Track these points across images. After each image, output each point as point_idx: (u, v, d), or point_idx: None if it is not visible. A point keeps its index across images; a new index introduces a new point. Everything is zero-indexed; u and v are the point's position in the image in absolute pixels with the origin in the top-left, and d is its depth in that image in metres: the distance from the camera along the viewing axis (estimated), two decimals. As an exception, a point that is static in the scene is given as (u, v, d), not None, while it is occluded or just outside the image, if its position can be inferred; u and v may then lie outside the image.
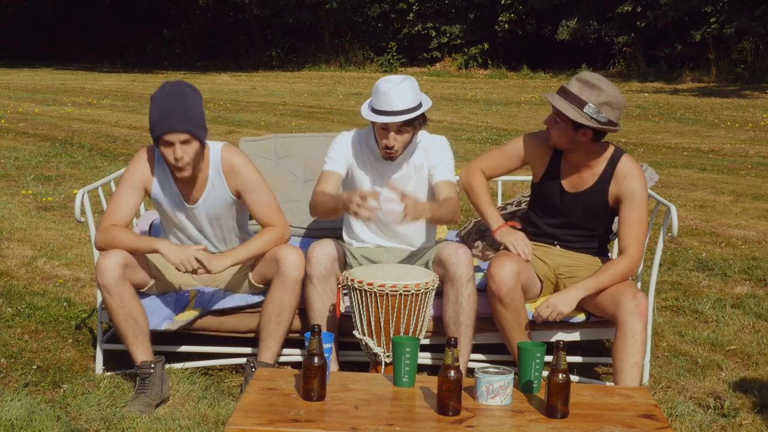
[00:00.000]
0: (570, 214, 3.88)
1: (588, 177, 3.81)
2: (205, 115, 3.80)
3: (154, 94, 3.68)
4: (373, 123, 3.81)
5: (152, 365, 3.69)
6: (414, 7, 25.50)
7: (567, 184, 3.86)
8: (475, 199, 3.93)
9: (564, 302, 3.63)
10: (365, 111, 3.81)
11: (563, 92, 3.68)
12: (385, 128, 3.76)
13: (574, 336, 3.91)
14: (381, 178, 3.92)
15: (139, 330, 3.69)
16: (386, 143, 3.77)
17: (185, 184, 3.83)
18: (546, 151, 3.87)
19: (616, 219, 4.20)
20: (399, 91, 3.71)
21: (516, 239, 3.75)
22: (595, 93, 3.62)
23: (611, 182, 3.77)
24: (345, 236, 4.05)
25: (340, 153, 3.93)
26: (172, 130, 3.59)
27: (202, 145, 3.72)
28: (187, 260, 3.58)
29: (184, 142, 3.62)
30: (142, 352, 3.71)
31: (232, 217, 3.96)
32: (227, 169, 3.82)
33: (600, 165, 3.79)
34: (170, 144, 3.62)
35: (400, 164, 3.91)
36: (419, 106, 3.76)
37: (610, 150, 3.80)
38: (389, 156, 3.82)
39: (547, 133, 3.78)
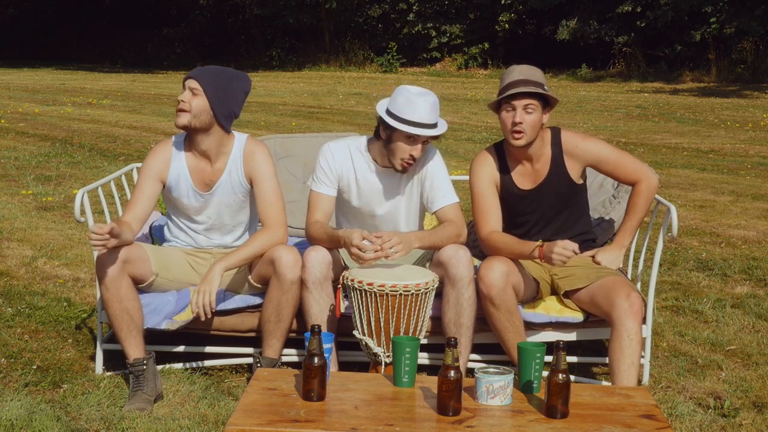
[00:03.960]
0: (538, 209, 3.90)
1: (541, 166, 3.86)
2: (238, 102, 3.90)
3: None
4: (396, 131, 3.71)
5: (144, 362, 3.70)
6: (414, 7, 25.50)
7: (524, 183, 3.89)
8: (508, 252, 3.74)
9: (611, 257, 3.85)
10: (392, 120, 3.70)
11: (518, 83, 3.69)
12: (414, 140, 3.71)
13: (572, 336, 3.91)
14: (370, 190, 3.90)
15: (133, 325, 3.70)
16: (412, 153, 3.72)
17: (201, 171, 3.87)
18: (494, 167, 3.89)
19: (612, 216, 4.24)
20: (432, 104, 3.70)
21: (556, 249, 3.57)
22: (534, 72, 3.75)
23: (565, 160, 3.83)
24: (343, 255, 4.01)
25: (328, 170, 3.89)
26: (188, 77, 3.81)
27: (216, 116, 3.78)
28: (203, 307, 3.64)
29: (192, 90, 3.77)
30: (134, 348, 3.71)
31: (244, 211, 3.98)
32: (248, 154, 3.88)
33: (546, 149, 3.85)
34: (184, 90, 3.81)
35: (391, 176, 3.88)
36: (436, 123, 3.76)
37: (548, 132, 3.86)
38: (408, 166, 3.77)
39: (514, 135, 3.72)
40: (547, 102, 3.76)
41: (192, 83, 3.77)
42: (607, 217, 4.37)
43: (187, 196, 3.90)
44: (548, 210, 3.90)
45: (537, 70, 3.79)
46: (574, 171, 3.86)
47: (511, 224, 3.93)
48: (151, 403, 3.62)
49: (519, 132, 3.71)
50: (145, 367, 3.69)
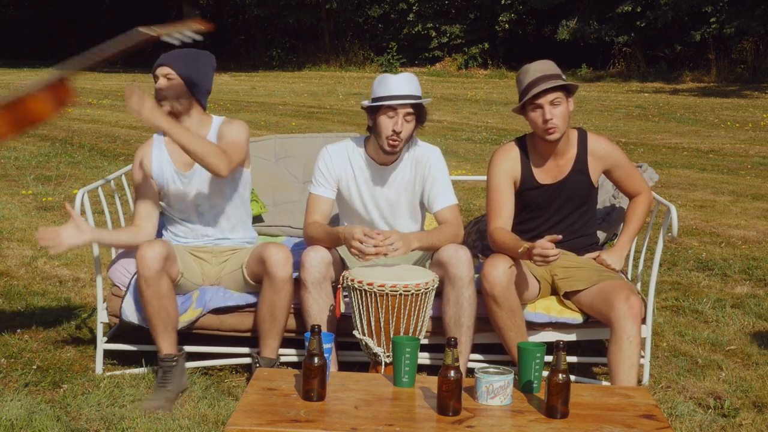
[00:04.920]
0: (554, 205, 3.91)
1: (564, 163, 3.88)
2: (209, 78, 3.98)
3: None
4: (375, 115, 3.75)
5: (175, 358, 3.75)
6: (414, 7, 25.50)
7: (544, 178, 3.90)
8: (505, 249, 3.72)
9: (615, 259, 3.90)
10: (367, 103, 3.80)
11: (538, 81, 3.72)
12: (393, 114, 3.72)
13: (572, 336, 3.90)
14: (370, 188, 3.90)
15: (170, 322, 3.75)
16: (394, 128, 3.72)
17: (178, 152, 3.87)
18: (516, 161, 3.91)
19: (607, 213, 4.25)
20: (405, 78, 3.76)
21: (535, 250, 3.53)
22: (549, 65, 3.82)
23: (588, 160, 3.88)
24: (343, 254, 4.00)
25: (327, 173, 3.90)
26: (159, 65, 3.88)
27: (194, 93, 3.87)
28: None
29: (167, 76, 3.84)
30: (168, 344, 3.76)
31: (229, 188, 3.98)
32: (224, 126, 3.93)
33: (571, 147, 3.88)
34: (156, 79, 3.86)
35: (390, 173, 3.89)
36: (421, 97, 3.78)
37: (574, 131, 3.91)
38: (394, 144, 3.76)
39: (548, 131, 3.74)
40: (568, 90, 3.80)
41: (164, 70, 3.83)
42: (607, 218, 4.37)
43: (173, 181, 3.93)
44: (563, 207, 3.91)
45: (550, 63, 3.84)
46: (594, 172, 3.90)
47: (524, 219, 3.94)
48: (173, 401, 3.65)
49: (552, 127, 3.74)
50: (174, 363, 3.74)
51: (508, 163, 3.91)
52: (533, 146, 3.92)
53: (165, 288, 3.69)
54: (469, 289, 3.67)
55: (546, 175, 3.90)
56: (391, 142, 3.76)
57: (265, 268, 3.72)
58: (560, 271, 3.87)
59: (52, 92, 3.33)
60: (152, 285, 3.65)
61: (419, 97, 3.75)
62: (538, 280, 3.85)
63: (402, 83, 3.73)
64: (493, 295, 3.64)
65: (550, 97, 3.71)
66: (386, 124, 3.75)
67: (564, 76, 3.81)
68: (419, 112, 3.77)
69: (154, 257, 3.64)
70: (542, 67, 3.79)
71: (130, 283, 3.91)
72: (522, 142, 3.97)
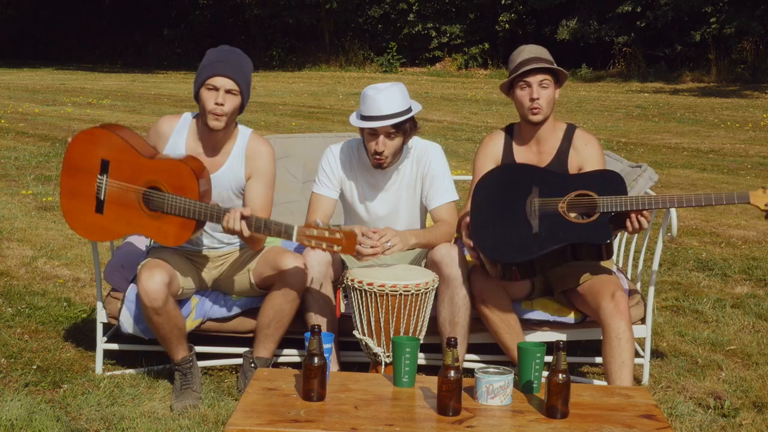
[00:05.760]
0: None
1: (546, 152, 3.88)
2: (251, 87, 3.79)
3: (210, 49, 3.76)
4: (362, 130, 3.78)
5: (190, 359, 3.77)
6: (414, 7, 25.50)
7: (524, 160, 3.89)
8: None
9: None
10: (353, 119, 3.78)
11: (531, 61, 3.75)
12: (374, 134, 3.72)
13: (569, 336, 3.90)
14: (372, 189, 3.91)
15: (181, 334, 3.76)
16: (375, 148, 3.72)
17: (193, 152, 3.75)
18: (499, 143, 3.92)
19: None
20: (387, 95, 3.68)
21: None
22: (543, 50, 3.85)
23: (570, 152, 3.87)
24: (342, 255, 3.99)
25: (330, 173, 3.90)
26: (221, 74, 3.60)
27: (241, 110, 3.73)
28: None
29: (229, 92, 3.63)
30: (181, 350, 3.78)
31: (228, 195, 3.88)
32: (253, 152, 3.80)
33: (556, 138, 3.88)
34: (214, 89, 3.61)
35: (391, 174, 3.89)
36: (408, 110, 3.72)
37: (563, 124, 3.92)
38: (379, 163, 3.77)
39: (532, 111, 3.76)
40: (557, 78, 3.82)
41: (229, 83, 3.61)
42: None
43: None
44: None
45: (545, 49, 3.87)
46: (573, 167, 3.87)
47: None
48: (200, 398, 3.67)
49: (537, 108, 3.76)
50: (191, 364, 3.77)
51: (492, 145, 3.94)
52: (518, 131, 3.94)
53: (172, 309, 3.68)
54: (463, 288, 3.67)
55: (526, 159, 3.89)
56: (375, 160, 3.78)
57: (280, 277, 3.70)
58: (554, 271, 3.86)
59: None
60: (162, 313, 3.63)
61: (403, 112, 3.69)
62: (530, 280, 3.84)
63: (382, 102, 3.66)
64: (482, 300, 3.65)
65: (540, 77, 3.76)
66: (369, 144, 3.76)
67: (555, 65, 3.83)
68: (406, 123, 3.74)
69: (157, 289, 3.58)
70: (537, 50, 3.83)
71: (125, 294, 3.89)
72: (509, 128, 4.00)
